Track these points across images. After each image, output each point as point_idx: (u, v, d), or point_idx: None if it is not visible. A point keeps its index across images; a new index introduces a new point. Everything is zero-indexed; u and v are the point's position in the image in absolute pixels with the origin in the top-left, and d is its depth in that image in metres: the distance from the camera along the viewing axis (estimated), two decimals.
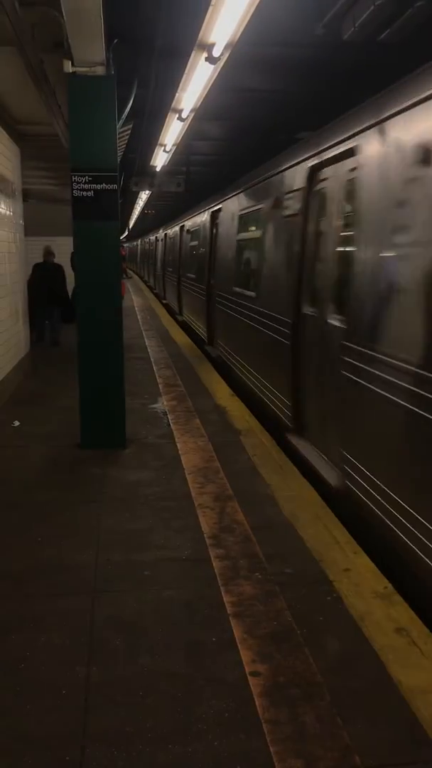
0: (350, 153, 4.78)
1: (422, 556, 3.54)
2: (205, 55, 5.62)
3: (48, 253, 12.72)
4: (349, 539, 4.23)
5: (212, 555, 4.01)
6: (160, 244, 24.18)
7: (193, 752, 2.47)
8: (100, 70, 5.65)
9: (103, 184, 5.68)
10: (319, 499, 4.89)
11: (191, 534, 4.31)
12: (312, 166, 5.68)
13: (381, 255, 4.17)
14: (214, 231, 11.57)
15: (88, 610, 3.43)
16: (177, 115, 8.34)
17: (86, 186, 5.67)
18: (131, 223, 39.60)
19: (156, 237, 26.41)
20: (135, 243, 47.28)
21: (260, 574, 3.77)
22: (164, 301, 21.59)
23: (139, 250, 42.68)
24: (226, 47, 5.47)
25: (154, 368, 10.09)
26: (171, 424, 6.90)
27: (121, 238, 25.45)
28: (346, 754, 2.45)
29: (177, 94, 7.41)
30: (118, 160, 6.19)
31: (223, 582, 3.69)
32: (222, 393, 8.39)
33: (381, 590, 3.61)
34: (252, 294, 7.88)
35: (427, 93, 3.64)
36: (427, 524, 3.50)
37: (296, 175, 6.17)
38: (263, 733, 2.56)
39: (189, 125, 9.08)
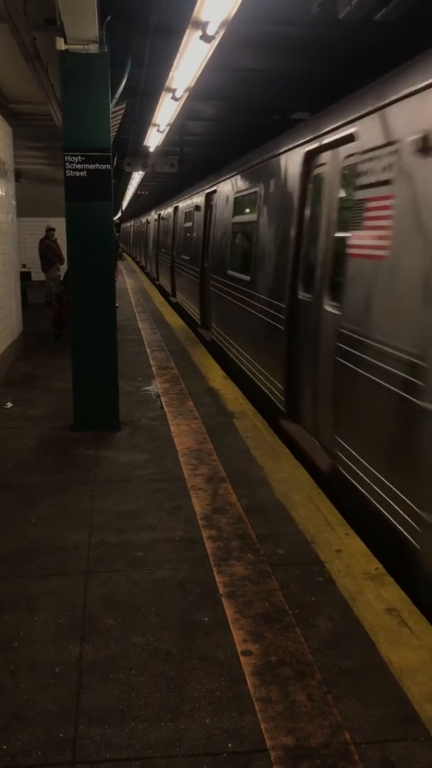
0: (349, 138, 4.78)
1: (408, 536, 3.59)
2: (199, 33, 5.54)
3: None
4: (341, 521, 4.26)
5: (205, 536, 4.03)
6: (153, 225, 24.22)
7: (186, 730, 2.50)
8: (93, 48, 5.58)
9: (96, 164, 5.63)
10: (312, 481, 4.92)
11: (184, 515, 4.33)
12: (308, 150, 5.69)
13: (376, 242, 4.22)
14: (209, 213, 11.57)
15: (81, 590, 3.45)
16: (171, 95, 8.25)
17: (79, 166, 5.62)
18: (125, 204, 39.33)
19: (148, 218, 26.35)
20: (129, 224, 46.95)
21: (252, 555, 3.80)
22: (157, 282, 21.77)
23: (132, 231, 42.43)
24: (220, 25, 5.40)
25: (147, 350, 10.07)
26: (164, 407, 6.90)
27: (115, 219, 25.30)
28: (337, 731, 2.48)
29: (171, 73, 7.33)
30: (112, 139, 6.14)
31: (215, 563, 3.71)
32: (215, 375, 8.39)
33: (372, 571, 3.64)
34: (246, 278, 7.88)
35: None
36: (412, 505, 3.55)
37: (290, 161, 6.35)
38: (255, 711, 2.59)
39: (183, 105, 8.99)
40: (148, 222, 25.51)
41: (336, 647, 2.99)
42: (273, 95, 9.69)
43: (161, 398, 7.24)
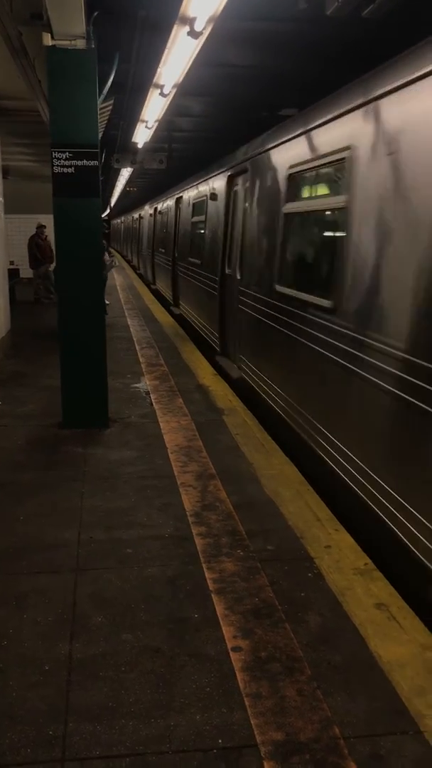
0: (245, 169, 7.44)
1: (291, 424, 5.31)
2: (187, 29, 5.54)
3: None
4: (330, 516, 4.27)
5: (195, 533, 4.03)
6: (137, 223, 26.27)
7: (176, 726, 2.50)
8: (80, 44, 5.55)
9: (84, 161, 5.61)
10: (301, 477, 4.93)
11: (174, 512, 4.33)
12: (229, 174, 8.63)
13: (252, 234, 7.28)
14: (177, 213, 13.89)
15: (70, 588, 3.44)
16: (159, 91, 8.23)
17: (67, 162, 5.59)
18: (113, 200, 39.19)
19: (142, 213, 26.62)
20: (120, 220, 46.81)
21: (242, 551, 3.80)
22: (138, 271, 25.33)
23: (123, 228, 42.38)
24: (208, 21, 5.39)
25: (137, 347, 10.05)
26: (153, 404, 6.90)
27: (103, 215, 25.20)
28: (326, 725, 2.49)
29: (159, 69, 7.31)
30: (100, 136, 6.11)
31: (205, 559, 3.72)
32: (205, 372, 8.39)
33: (361, 566, 3.65)
34: (198, 261, 10.80)
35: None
36: (283, 393, 5.51)
37: (216, 182, 9.50)
38: (245, 706, 2.59)
39: (171, 101, 8.98)
40: (141, 217, 24.59)
41: (325, 642, 3.00)
42: (261, 91, 9.70)
43: (150, 395, 7.23)
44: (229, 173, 8.65)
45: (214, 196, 9.59)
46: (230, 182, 8.66)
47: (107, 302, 12.66)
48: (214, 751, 2.38)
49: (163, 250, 16.40)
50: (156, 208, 19.02)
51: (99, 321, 5.98)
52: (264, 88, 9.48)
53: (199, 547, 3.85)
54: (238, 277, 7.91)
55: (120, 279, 22.98)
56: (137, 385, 7.73)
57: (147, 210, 22.28)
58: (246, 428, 6.07)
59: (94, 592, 3.41)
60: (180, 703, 2.62)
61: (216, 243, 9.22)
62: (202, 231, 10.51)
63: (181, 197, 13.36)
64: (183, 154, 16.05)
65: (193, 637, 3.03)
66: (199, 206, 11.07)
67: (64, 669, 2.81)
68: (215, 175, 9.68)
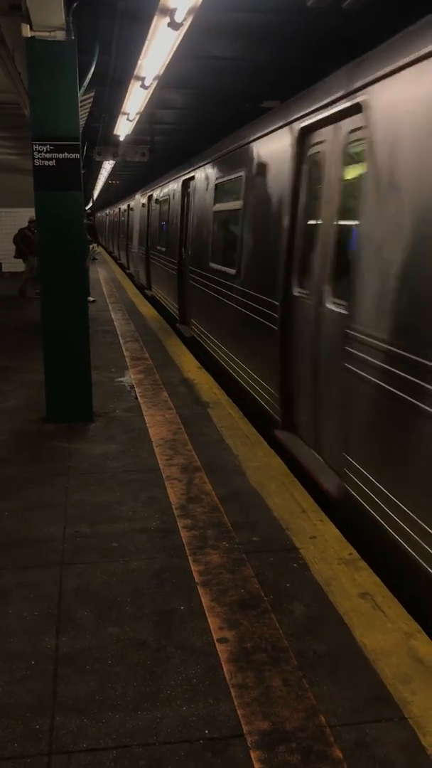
0: (192, 177, 8.89)
1: (217, 357, 6.85)
2: (167, 20, 5.51)
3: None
4: (315, 507, 4.29)
5: (180, 525, 4.04)
6: (116, 218, 28.46)
7: (162, 717, 2.51)
8: (60, 35, 5.51)
9: (65, 153, 5.57)
10: (286, 469, 4.95)
11: (159, 505, 4.33)
12: (184, 179, 10.93)
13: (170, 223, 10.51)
14: (148, 210, 15.73)
15: (56, 582, 3.43)
16: (140, 83, 8.19)
17: (48, 155, 5.55)
18: (95, 194, 38.93)
19: (112, 211, 30.92)
20: (106, 212, 46.68)
21: (228, 543, 3.81)
22: (113, 255, 29.62)
23: (107, 222, 42.41)
24: (188, 12, 5.37)
25: (121, 341, 10.02)
26: (138, 397, 6.89)
27: (86, 209, 25.10)
28: (312, 714, 2.51)
29: (140, 61, 7.27)
30: (81, 128, 6.07)
31: (191, 551, 3.72)
32: (189, 366, 8.38)
33: (346, 556, 3.68)
34: (164, 249, 12.81)
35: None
36: (214, 338, 7.08)
37: (175, 185, 11.89)
38: (231, 697, 2.61)
39: (152, 93, 8.93)
40: (131, 209, 24.22)
41: (311, 632, 3.02)
42: (243, 83, 9.67)
43: (135, 389, 7.22)
44: (183, 178, 10.85)
45: (174, 195, 11.77)
46: (185, 185, 10.85)
47: (92, 299, 12.66)
48: (201, 741, 2.40)
49: (137, 242, 19.16)
50: (119, 209, 24.44)
51: (82, 315, 5.96)
52: (246, 79, 9.46)
53: (185, 540, 3.86)
54: (189, 258, 10.45)
55: (103, 273, 22.88)
56: (122, 378, 7.71)
57: (116, 209, 28.03)
58: (231, 421, 6.07)
59: (80, 586, 3.41)
60: (166, 695, 2.63)
61: (176, 234, 11.56)
62: (166, 224, 13.06)
63: (152, 196, 15.44)
64: (165, 147, 15.99)
65: (179, 629, 3.04)
66: (164, 203, 13.26)
67: (51, 663, 2.81)
68: (174, 179, 11.90)
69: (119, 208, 26.39)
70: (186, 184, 10.62)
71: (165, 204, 12.96)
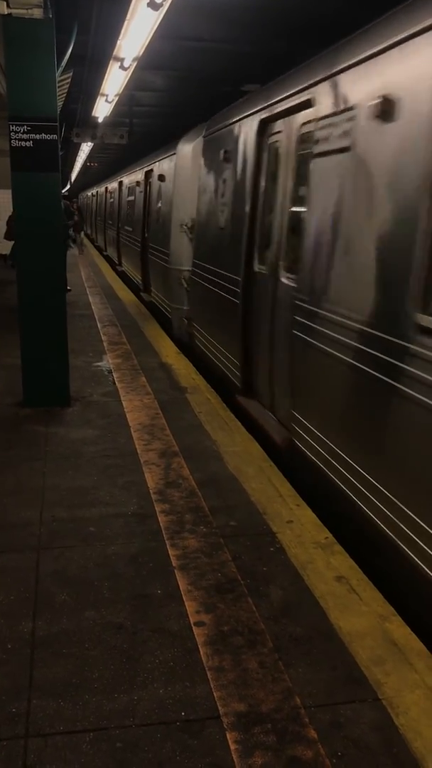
0: (155, 168, 9.82)
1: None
2: (146, 0, 5.44)
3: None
4: (292, 492, 4.32)
5: (158, 510, 4.04)
6: (94, 199, 29.71)
7: (139, 700, 2.52)
8: (37, 13, 5.42)
9: (43, 134, 5.49)
10: (264, 454, 4.97)
11: (137, 490, 4.33)
12: (146, 171, 12.38)
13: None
14: (119, 195, 17.59)
15: (32, 567, 3.42)
16: (119, 64, 8.09)
17: (25, 136, 5.47)
18: (73, 176, 38.50)
19: (91, 194, 32.30)
20: (91, 192, 46.32)
21: (205, 528, 3.83)
22: (90, 238, 30.44)
23: (84, 205, 42.20)
24: None
25: (99, 325, 9.96)
26: (116, 382, 6.86)
27: (63, 191, 24.91)
28: (288, 696, 2.54)
29: (118, 42, 7.18)
30: (59, 109, 5.99)
31: (168, 536, 3.73)
32: (168, 351, 8.36)
33: (322, 540, 3.71)
34: (130, 229, 14.75)
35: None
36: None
37: (139, 176, 13.52)
38: (208, 679, 2.63)
39: (131, 75, 8.83)
40: (96, 195, 25.45)
41: (287, 615, 3.04)
42: (223, 66, 9.59)
43: (113, 374, 7.18)
44: (145, 170, 12.47)
45: (138, 184, 13.63)
46: (147, 176, 12.37)
47: (68, 288, 12.57)
48: (178, 723, 2.41)
49: (110, 222, 20.84)
50: (97, 192, 26.33)
51: (60, 298, 5.90)
52: (226, 62, 9.38)
53: (163, 525, 3.87)
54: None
55: (81, 257, 22.68)
56: (99, 363, 7.68)
57: (93, 192, 29.61)
58: (209, 406, 6.08)
59: (57, 570, 3.40)
60: (143, 678, 2.64)
61: (140, 217, 13.22)
62: (133, 209, 14.73)
63: (122, 182, 17.47)
64: (145, 129, 15.84)
65: (156, 612, 3.05)
66: (132, 190, 15.10)
67: (27, 647, 2.81)
68: (138, 170, 13.94)
69: (96, 191, 27.85)
70: (148, 174, 12.21)
71: (132, 192, 15.26)
